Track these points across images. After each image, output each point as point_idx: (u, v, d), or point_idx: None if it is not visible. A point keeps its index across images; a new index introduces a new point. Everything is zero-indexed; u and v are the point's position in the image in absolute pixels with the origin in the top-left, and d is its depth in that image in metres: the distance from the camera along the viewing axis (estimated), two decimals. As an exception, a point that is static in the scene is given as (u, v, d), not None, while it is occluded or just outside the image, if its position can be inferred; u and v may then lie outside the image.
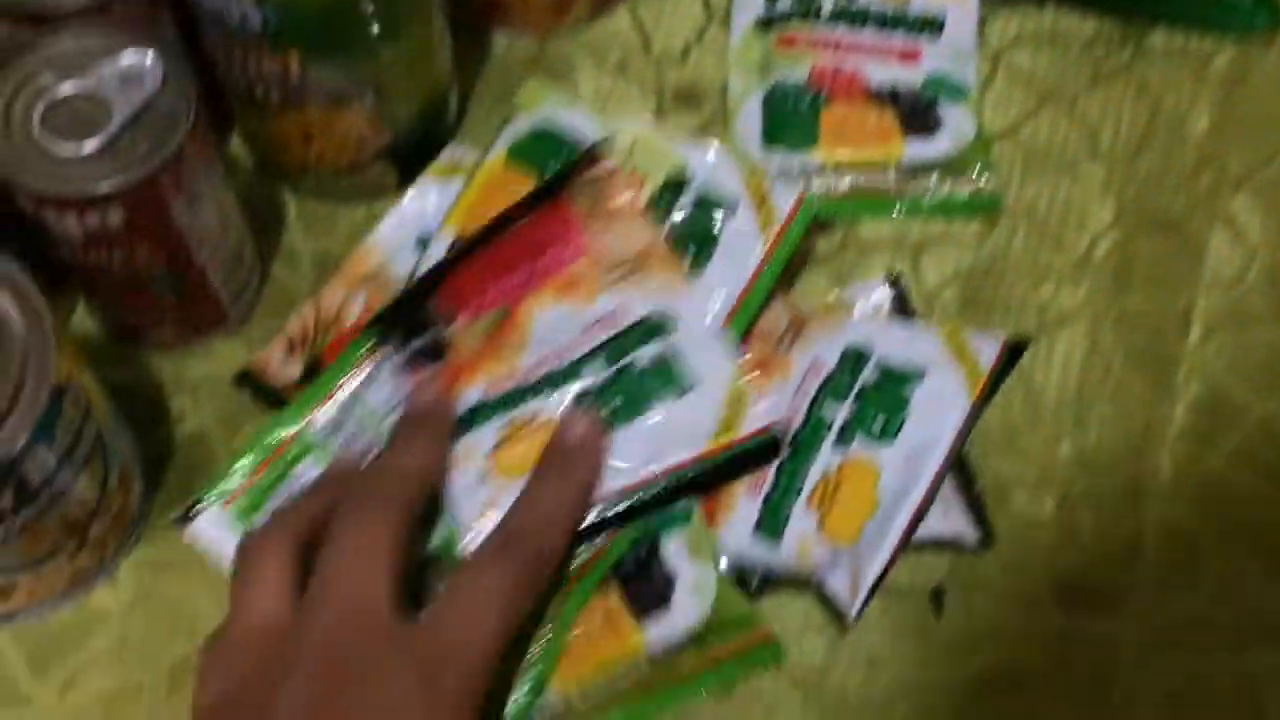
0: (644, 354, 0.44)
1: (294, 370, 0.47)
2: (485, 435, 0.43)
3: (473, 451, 0.43)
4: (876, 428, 0.43)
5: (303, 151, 0.51)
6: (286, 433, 0.43)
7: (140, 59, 0.41)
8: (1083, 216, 0.53)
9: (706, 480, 0.43)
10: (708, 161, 0.48)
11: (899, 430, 0.43)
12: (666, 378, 0.44)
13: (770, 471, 0.43)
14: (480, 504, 0.42)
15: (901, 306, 0.50)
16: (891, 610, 0.45)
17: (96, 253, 0.42)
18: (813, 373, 0.45)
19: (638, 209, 0.47)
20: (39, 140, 0.40)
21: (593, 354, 0.44)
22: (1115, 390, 0.49)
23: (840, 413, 0.44)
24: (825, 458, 0.43)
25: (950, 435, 0.43)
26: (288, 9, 0.43)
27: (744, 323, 0.46)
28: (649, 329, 0.45)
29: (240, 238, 0.48)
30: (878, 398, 0.44)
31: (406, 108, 0.50)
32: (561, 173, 0.47)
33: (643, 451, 0.43)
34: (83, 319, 0.49)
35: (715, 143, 0.49)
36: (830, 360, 0.45)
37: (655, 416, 0.43)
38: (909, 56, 0.54)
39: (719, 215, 0.47)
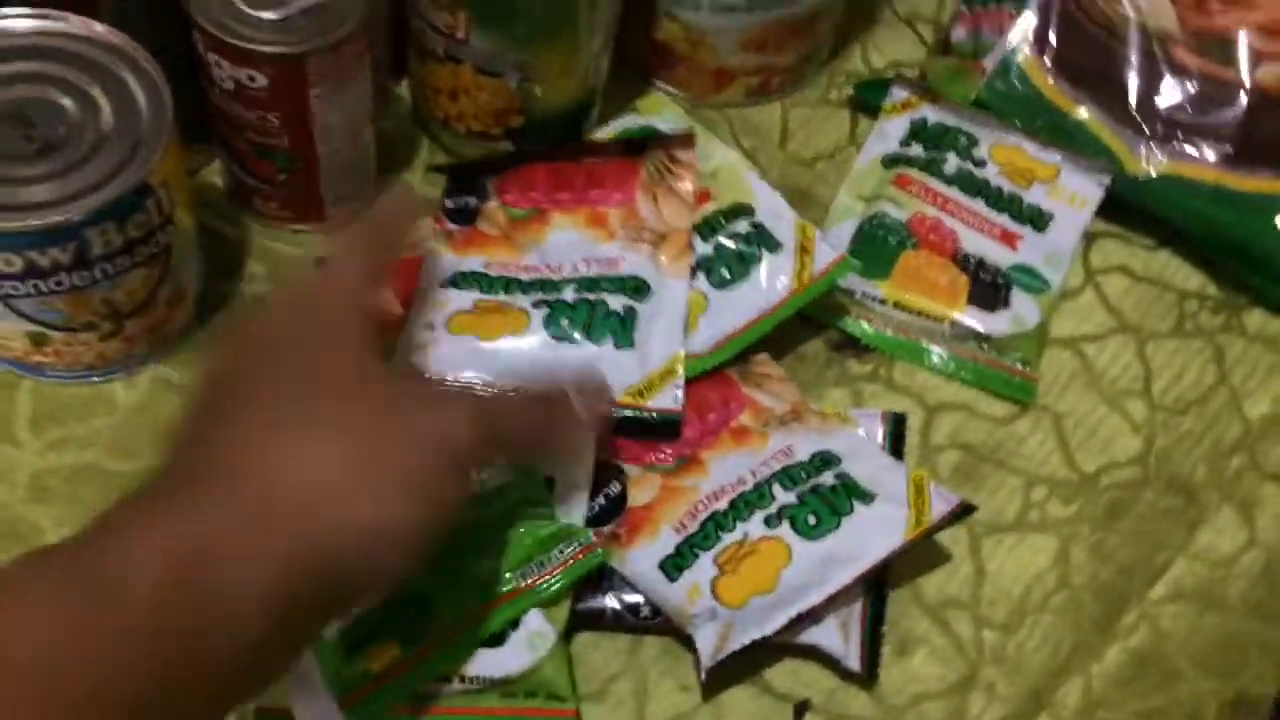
0: (616, 300, 0.49)
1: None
2: (464, 298, 0.48)
3: (443, 305, 0.48)
4: (807, 522, 0.45)
5: (447, 105, 0.56)
6: None
7: (340, -31, 0.48)
8: (1106, 444, 0.54)
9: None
10: (774, 204, 0.53)
11: (825, 535, 0.45)
12: (620, 327, 0.48)
13: (701, 517, 0.46)
14: (716, 636, 0.44)
15: (894, 448, 0.52)
16: (758, 703, 0.46)
17: (238, 106, 0.48)
18: (782, 455, 0.48)
19: (689, 200, 0.52)
20: (231, -3, 0.46)
21: (575, 279, 0.49)
22: (1061, 606, 0.50)
23: (786, 496, 0.46)
24: (752, 526, 0.45)
25: (869, 561, 0.45)
26: (470, -25, 0.49)
27: (737, 348, 0.50)
28: (632, 287, 0.50)
29: (362, 155, 0.53)
30: (821, 500, 0.46)
31: (544, 103, 0.56)
32: (650, 137, 0.54)
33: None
34: (213, 174, 0.56)
35: (783, 198, 0.53)
36: (803, 453, 0.48)
37: (590, 352, 0.48)
38: (1007, 239, 0.57)
39: (762, 251, 0.52)
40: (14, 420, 0.48)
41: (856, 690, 0.47)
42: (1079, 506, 0.53)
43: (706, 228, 0.52)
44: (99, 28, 0.44)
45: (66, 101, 0.43)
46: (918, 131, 0.60)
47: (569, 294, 0.49)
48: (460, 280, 0.49)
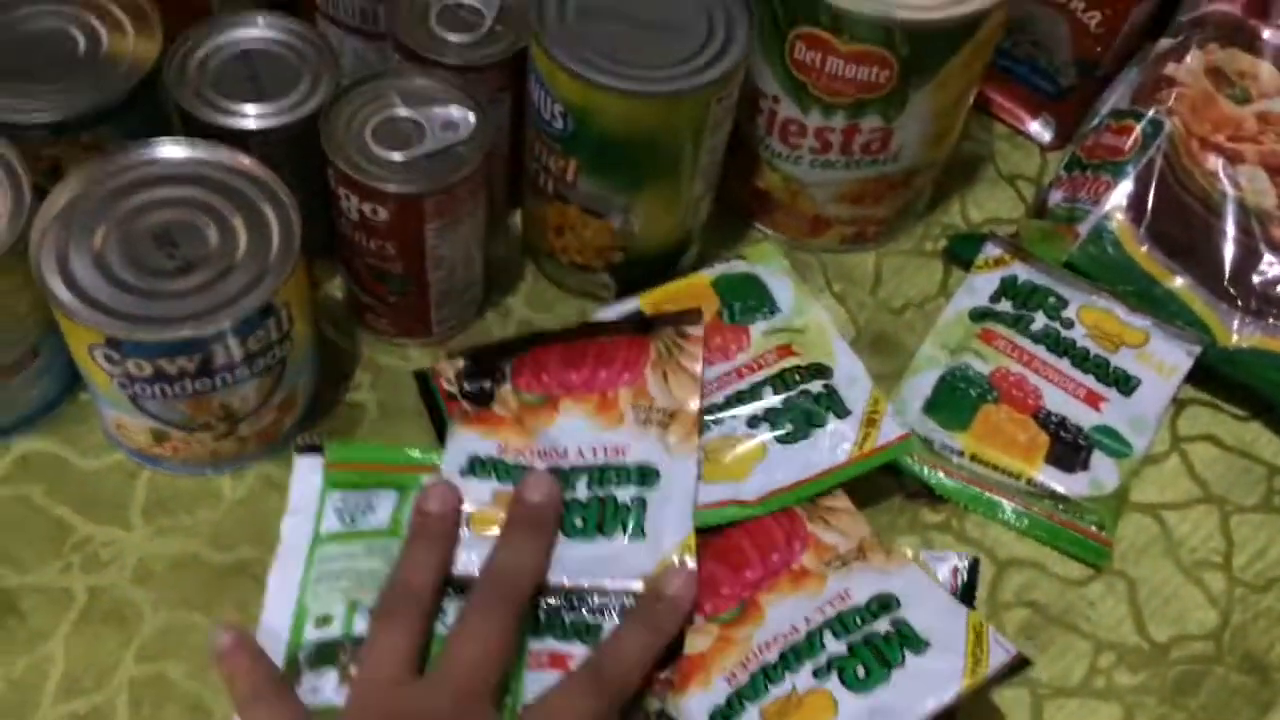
0: (626, 492, 0.51)
1: (458, 387, 0.54)
2: (483, 488, 0.50)
3: (466, 495, 0.50)
4: (856, 675, 0.45)
5: (554, 239, 0.60)
6: (413, 458, 0.52)
7: (464, 114, 0.52)
8: (1179, 617, 0.54)
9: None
10: (853, 371, 0.55)
11: (873, 688, 0.45)
12: (630, 520, 0.50)
13: (751, 669, 0.47)
14: None
15: (966, 594, 0.51)
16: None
17: (361, 234, 0.52)
18: (838, 600, 0.48)
19: (698, 377, 0.54)
20: (363, 137, 0.51)
21: (586, 470, 0.51)
22: (1123, 779, 0.49)
23: (837, 646, 0.47)
24: (801, 678, 0.46)
25: (920, 714, 0.44)
26: (584, 128, 0.53)
27: (784, 502, 0.51)
28: (639, 476, 0.51)
29: (470, 279, 0.57)
30: (872, 651, 0.46)
31: (645, 243, 0.59)
32: (659, 317, 0.56)
33: (585, 567, 0.49)
34: (335, 287, 0.60)
35: (863, 367, 0.55)
36: (860, 597, 0.48)
37: (602, 546, 0.49)
38: (1091, 400, 0.58)
39: (829, 415, 0.53)
40: (129, 506, 0.52)
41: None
42: (1147, 677, 0.52)
43: (781, 381, 0.54)
44: (246, 160, 0.49)
45: (210, 226, 0.48)
46: (1007, 288, 0.61)
47: (581, 490, 0.51)
48: (478, 467, 0.51)
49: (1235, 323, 0.59)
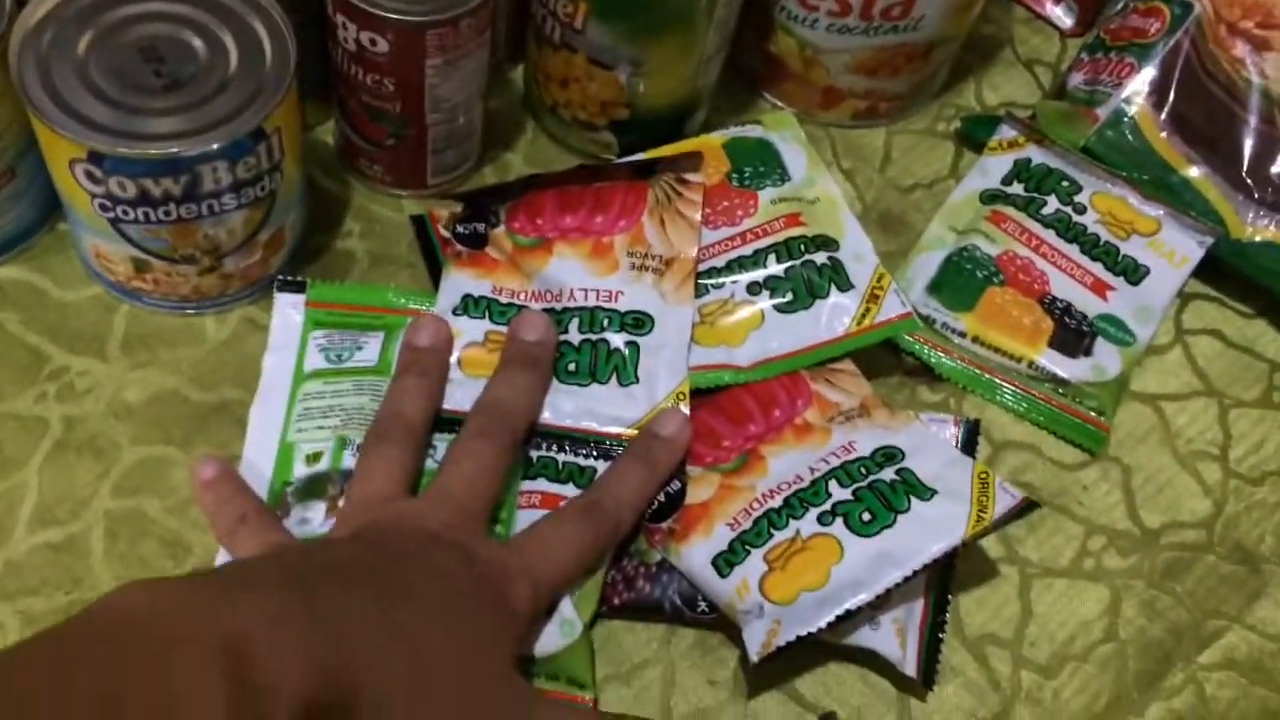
0: (618, 337, 0.50)
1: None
2: (476, 328, 0.49)
3: (459, 336, 0.49)
4: (861, 519, 0.45)
5: (557, 92, 0.58)
6: (394, 303, 0.51)
7: (469, -53, 0.49)
8: (1172, 505, 0.53)
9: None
10: (860, 247, 0.54)
11: (880, 531, 0.45)
12: (622, 365, 0.49)
13: (755, 514, 0.46)
14: (764, 632, 0.44)
15: (967, 449, 0.51)
16: (784, 709, 0.46)
17: (357, 68, 0.50)
18: (843, 451, 0.48)
19: (696, 223, 0.52)
20: (363, -37, 0.48)
21: (578, 311, 0.50)
22: (1105, 658, 0.49)
23: (841, 493, 0.46)
24: (805, 523, 0.45)
25: (923, 560, 0.44)
26: (597, -30, 0.50)
27: (777, 370, 0.50)
28: (633, 321, 0.50)
29: (469, 129, 0.55)
30: (877, 497, 0.46)
31: (651, 100, 0.57)
32: (658, 160, 0.54)
33: (578, 409, 0.49)
34: (326, 132, 0.58)
35: (871, 244, 0.53)
36: (865, 449, 0.48)
37: (595, 391, 0.49)
38: (1098, 288, 0.56)
39: (831, 287, 0.52)
40: (107, 339, 0.51)
41: (884, 710, 0.47)
42: (1136, 560, 0.52)
43: (785, 250, 0.53)
44: (240, -23, 0.47)
45: (197, 42, 0.45)
46: (1020, 171, 0.59)
47: (573, 333, 0.50)
48: (470, 306, 0.50)
49: (1250, 215, 0.58)
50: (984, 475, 0.46)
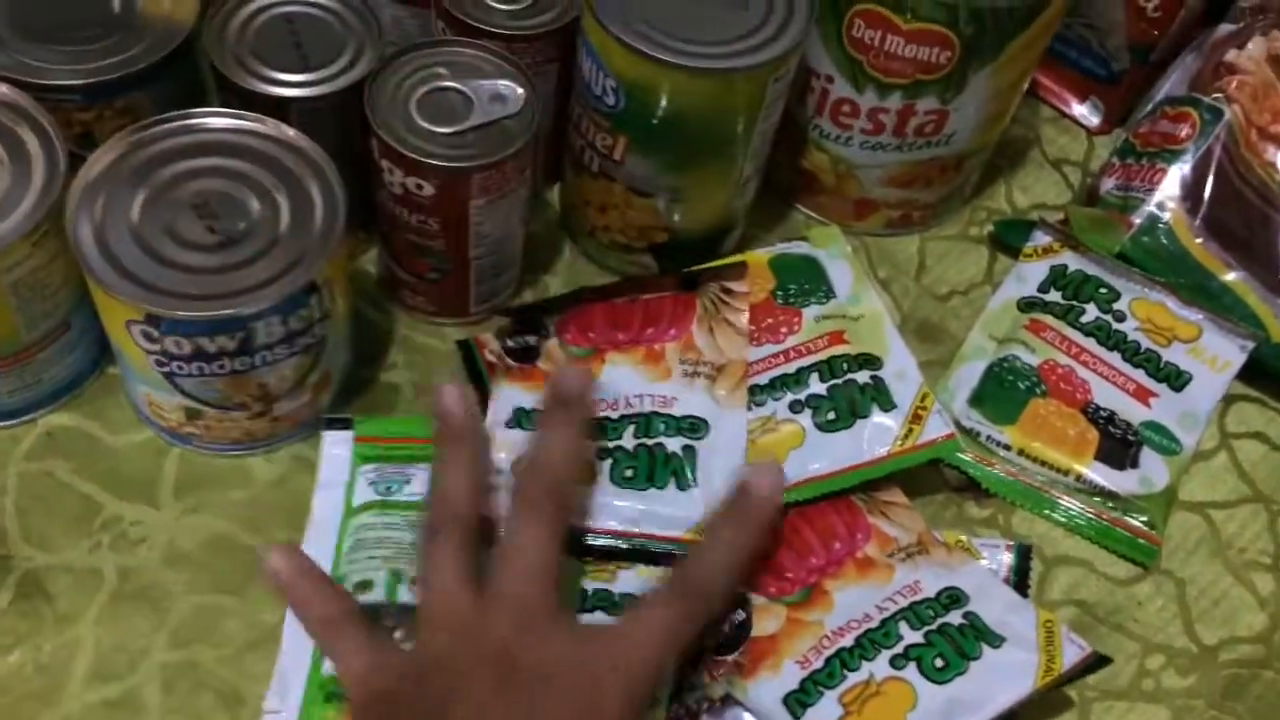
0: (674, 441, 0.50)
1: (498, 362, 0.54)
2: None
3: (513, 449, 0.49)
4: (935, 665, 0.45)
5: (595, 217, 0.58)
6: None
7: (513, 88, 0.50)
8: (1228, 619, 0.53)
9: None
10: (904, 365, 0.54)
11: (953, 678, 0.44)
12: (680, 468, 0.49)
13: (826, 654, 0.46)
14: None
15: (1020, 582, 0.51)
16: None
17: (403, 209, 0.51)
18: (909, 590, 0.48)
19: (745, 330, 0.53)
20: (408, 109, 0.49)
21: (634, 419, 0.50)
22: (1173, 784, 0.49)
23: (913, 636, 0.46)
24: (878, 665, 0.45)
25: (996, 708, 0.44)
26: (635, 104, 0.51)
27: (816, 492, 0.50)
28: (689, 425, 0.51)
29: (511, 259, 0.55)
30: (951, 641, 0.45)
31: (690, 224, 0.57)
32: (703, 271, 0.55)
33: (636, 515, 0.49)
34: (369, 261, 0.58)
35: (915, 362, 0.54)
36: (930, 589, 0.48)
37: (653, 495, 0.49)
38: (1141, 395, 0.56)
39: (875, 407, 0.52)
40: (158, 485, 0.51)
41: None
42: (1196, 680, 0.51)
43: (828, 369, 0.53)
44: (289, 131, 0.47)
45: (251, 199, 0.46)
46: (1057, 278, 0.60)
47: (628, 439, 0.50)
48: (523, 419, 0.50)
49: (1284, 317, 0.58)
50: (1049, 624, 0.46)
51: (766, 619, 0.47)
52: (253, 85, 0.49)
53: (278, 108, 0.49)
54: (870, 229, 0.63)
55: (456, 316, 0.57)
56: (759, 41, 0.50)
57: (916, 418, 0.52)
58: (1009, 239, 0.63)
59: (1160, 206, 0.59)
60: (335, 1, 0.52)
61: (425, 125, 0.49)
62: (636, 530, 0.48)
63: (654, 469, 0.49)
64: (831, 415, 0.52)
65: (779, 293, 0.55)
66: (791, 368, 0.53)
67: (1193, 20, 0.64)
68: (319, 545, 0.48)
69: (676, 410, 0.51)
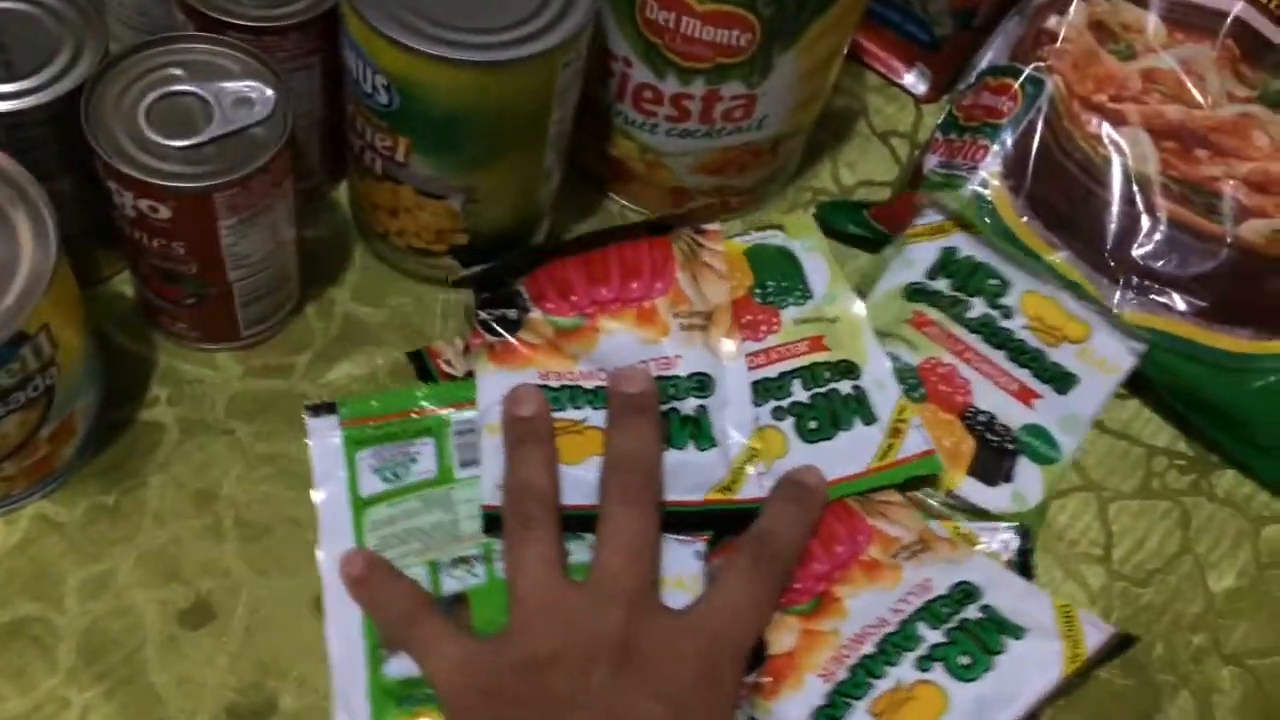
0: (687, 403, 0.49)
1: (461, 368, 0.51)
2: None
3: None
4: (961, 664, 0.43)
5: (387, 221, 0.53)
6: (430, 405, 0.48)
7: (260, 89, 0.44)
8: (1061, 616, 0.51)
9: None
10: (882, 374, 0.52)
11: (981, 675, 0.43)
12: (696, 430, 0.49)
13: (849, 663, 0.44)
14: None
15: (1024, 560, 0.49)
16: None
17: (141, 234, 0.45)
18: (920, 590, 0.46)
19: (724, 273, 0.52)
20: (135, 120, 0.43)
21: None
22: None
23: (934, 635, 0.44)
24: (904, 670, 0.43)
25: (1029, 699, 0.43)
26: (412, 102, 0.46)
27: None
28: (697, 384, 0.50)
29: (282, 275, 0.50)
30: (973, 637, 0.44)
31: (489, 223, 0.52)
32: (673, 216, 0.54)
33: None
34: (125, 282, 0.52)
35: (890, 368, 0.52)
36: (941, 586, 0.46)
37: (674, 458, 0.48)
38: (1024, 397, 0.54)
39: (857, 420, 0.51)
40: (-121, 561, 0.45)
41: None
42: (1029, 688, 0.49)
43: (810, 376, 0.51)
44: (-11, 152, 0.41)
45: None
46: (947, 262, 0.56)
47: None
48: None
49: (1115, 298, 0.55)
50: (1067, 610, 0.45)
51: (781, 634, 0.45)
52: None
53: (-21, 123, 0.42)
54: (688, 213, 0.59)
55: (226, 340, 0.51)
56: (541, 26, 0.45)
57: (896, 431, 0.50)
58: (834, 222, 0.59)
59: (983, 184, 0.56)
60: (46, -4, 0.46)
61: (156, 138, 0.43)
62: (672, 498, 0.47)
63: (671, 432, 0.48)
64: (814, 425, 0.50)
65: (757, 290, 0.54)
66: (773, 371, 0.51)
67: (1012, -15, 0.61)
68: (336, 543, 0.45)
69: (681, 370, 0.50)
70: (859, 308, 0.54)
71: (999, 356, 0.54)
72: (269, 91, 0.44)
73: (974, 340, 0.55)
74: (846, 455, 0.50)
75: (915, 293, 0.56)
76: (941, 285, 0.56)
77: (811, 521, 0.47)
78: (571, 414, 0.48)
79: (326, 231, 0.56)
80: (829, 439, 0.50)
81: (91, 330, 0.46)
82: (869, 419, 0.51)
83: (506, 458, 0.46)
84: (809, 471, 0.48)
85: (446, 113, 0.46)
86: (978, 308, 0.55)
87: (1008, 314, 0.55)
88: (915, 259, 0.56)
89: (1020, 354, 0.54)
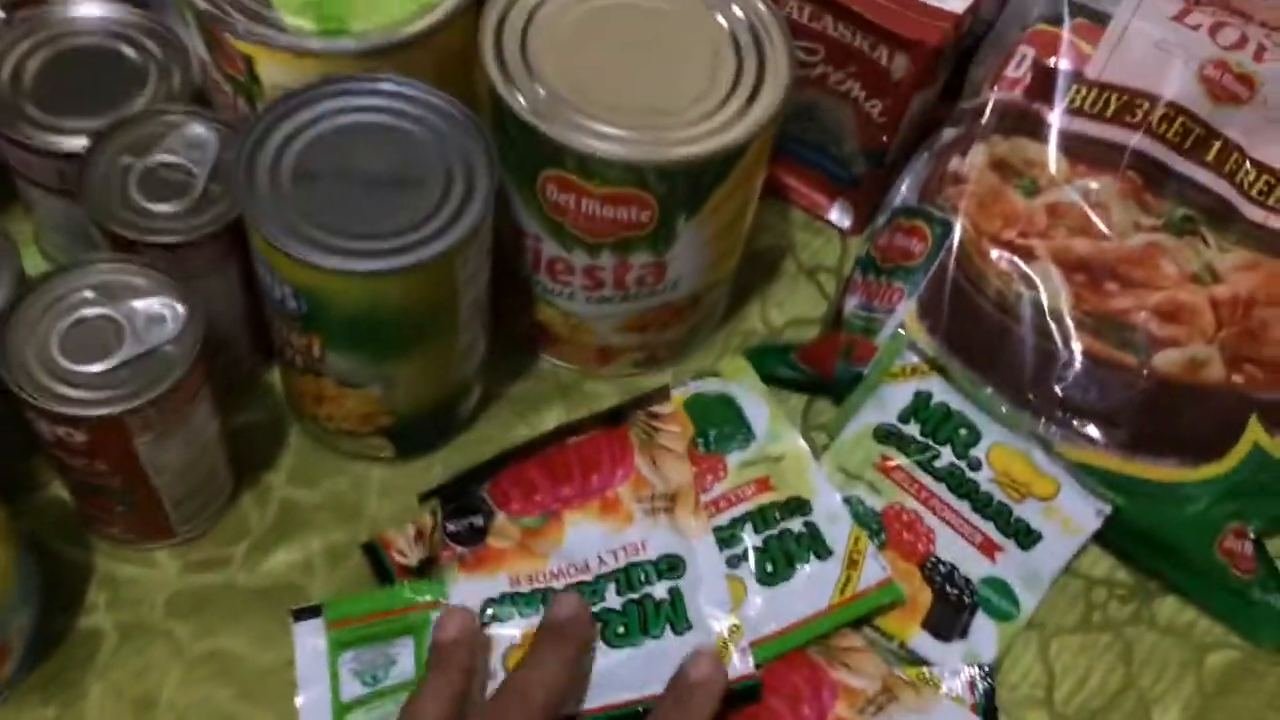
0: (659, 588, 0.50)
1: (415, 556, 0.52)
2: (509, 630, 0.48)
3: (495, 645, 0.48)
4: None
5: (314, 408, 0.54)
6: (413, 600, 0.49)
7: (171, 305, 0.46)
8: (1004, 763, 0.51)
9: None
10: (832, 507, 0.53)
11: None
12: (673, 614, 0.49)
13: None
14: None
15: (988, 702, 0.50)
16: None
17: (63, 454, 0.46)
18: None
19: (683, 453, 0.53)
20: (48, 349, 0.44)
21: (612, 575, 0.49)
22: None
23: None
24: None
25: None
26: (319, 307, 0.47)
27: (767, 654, 0.49)
28: (666, 566, 0.50)
29: (209, 473, 0.51)
30: None
31: (413, 404, 0.54)
32: (627, 404, 0.55)
33: (640, 675, 0.48)
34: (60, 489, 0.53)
35: (840, 499, 0.53)
36: None
37: (652, 647, 0.48)
38: (988, 549, 0.54)
39: (812, 554, 0.51)
40: None
41: None
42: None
43: (760, 519, 0.52)
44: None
45: None
46: (919, 407, 0.56)
47: (612, 598, 0.49)
48: (494, 609, 0.49)
49: (1040, 432, 0.56)
50: None
51: None
52: None
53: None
54: (618, 372, 0.60)
55: (161, 539, 0.52)
56: (442, 224, 0.47)
57: (853, 563, 0.51)
58: (763, 367, 0.59)
59: (902, 326, 0.57)
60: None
61: (69, 366, 0.44)
62: (645, 694, 0.47)
63: (646, 621, 0.49)
64: (770, 568, 0.51)
65: (699, 440, 0.55)
66: (724, 519, 0.52)
67: (921, 123, 0.63)
68: None
69: (651, 553, 0.51)
70: (802, 444, 0.55)
71: (964, 507, 0.55)
72: (179, 307, 0.46)
73: (940, 489, 0.55)
74: (805, 594, 0.51)
75: (886, 435, 0.56)
76: (912, 430, 0.56)
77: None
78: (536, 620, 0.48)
79: (260, 416, 0.57)
80: (787, 580, 0.51)
81: (25, 547, 0.47)
82: (824, 554, 0.51)
83: (418, 682, 0.46)
84: (701, 662, 0.48)
85: (354, 315, 0.48)
86: (946, 456, 0.56)
87: (975, 465, 0.56)
88: (888, 400, 0.57)
89: (985, 506, 0.55)
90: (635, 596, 0.49)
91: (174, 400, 0.45)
